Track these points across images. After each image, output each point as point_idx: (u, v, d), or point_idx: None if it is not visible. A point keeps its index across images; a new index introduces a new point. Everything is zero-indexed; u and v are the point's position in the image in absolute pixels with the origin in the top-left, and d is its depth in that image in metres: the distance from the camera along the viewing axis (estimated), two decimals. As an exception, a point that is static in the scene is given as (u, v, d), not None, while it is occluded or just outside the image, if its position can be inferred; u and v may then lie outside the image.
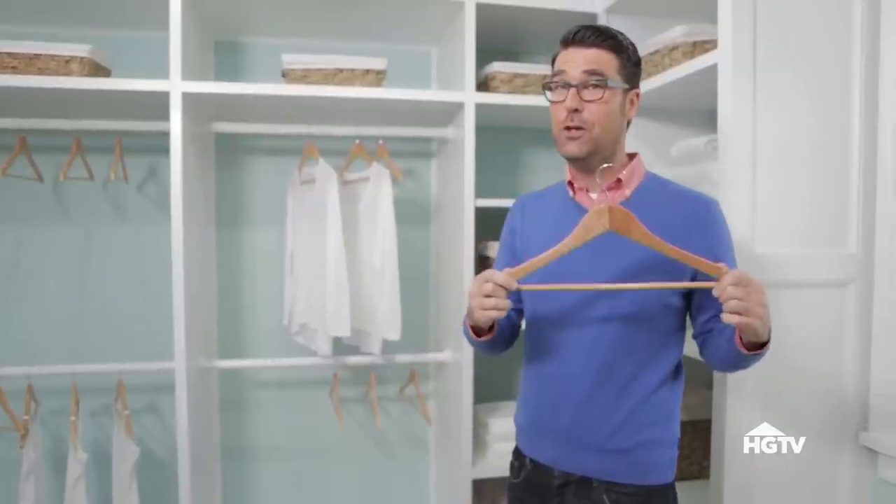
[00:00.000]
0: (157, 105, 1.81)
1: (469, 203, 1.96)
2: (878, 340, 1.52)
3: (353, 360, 2.14)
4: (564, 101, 1.18)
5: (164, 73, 1.77)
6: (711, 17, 1.50)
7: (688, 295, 1.21)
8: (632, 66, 1.23)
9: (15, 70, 1.75)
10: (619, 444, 1.20)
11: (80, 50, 1.77)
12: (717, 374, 1.51)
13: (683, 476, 1.97)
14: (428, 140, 2.37)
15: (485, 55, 2.07)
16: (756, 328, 1.02)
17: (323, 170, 2.00)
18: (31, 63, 1.75)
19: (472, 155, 1.96)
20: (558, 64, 1.22)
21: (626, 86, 1.21)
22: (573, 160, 1.23)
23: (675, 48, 1.66)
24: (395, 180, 2.04)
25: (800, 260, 1.51)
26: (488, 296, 1.13)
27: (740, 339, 1.07)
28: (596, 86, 1.17)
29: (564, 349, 1.25)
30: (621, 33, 1.23)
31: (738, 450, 1.47)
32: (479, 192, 2.00)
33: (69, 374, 1.94)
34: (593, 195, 1.25)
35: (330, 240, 1.95)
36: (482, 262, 2.15)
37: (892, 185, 1.49)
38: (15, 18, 1.99)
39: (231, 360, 2.17)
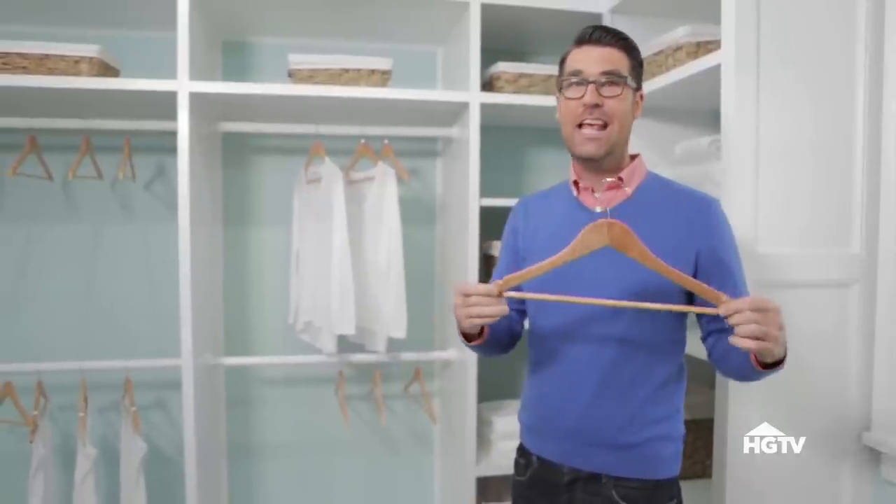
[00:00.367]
0: (164, 105, 1.83)
1: (474, 202, 1.97)
2: (881, 341, 1.52)
3: (359, 358, 2.15)
4: (582, 97, 1.19)
5: (171, 73, 1.79)
6: (715, 18, 1.50)
7: (692, 295, 1.20)
8: (638, 68, 1.26)
9: (25, 70, 1.77)
10: (627, 439, 1.21)
11: (89, 50, 1.79)
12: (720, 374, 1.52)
13: (686, 475, 1.97)
14: (433, 140, 2.38)
15: (490, 55, 2.08)
16: (773, 351, 1.03)
17: (329, 169, 2.01)
18: (41, 63, 1.77)
19: (476, 154, 1.97)
20: (573, 62, 1.22)
21: (635, 86, 1.23)
22: (588, 160, 1.23)
23: (678, 48, 1.67)
24: (400, 180, 2.05)
25: (803, 260, 1.51)
26: (482, 305, 1.14)
27: (755, 357, 1.08)
28: (614, 83, 1.19)
29: (571, 348, 1.25)
30: (629, 36, 1.25)
31: (740, 449, 1.47)
32: (484, 192, 2.01)
33: (77, 370, 1.96)
34: (598, 195, 1.26)
35: (335, 239, 1.96)
36: (487, 261, 2.16)
37: (896, 186, 1.49)
38: (25, 19, 2.02)
39: (237, 358, 2.19)
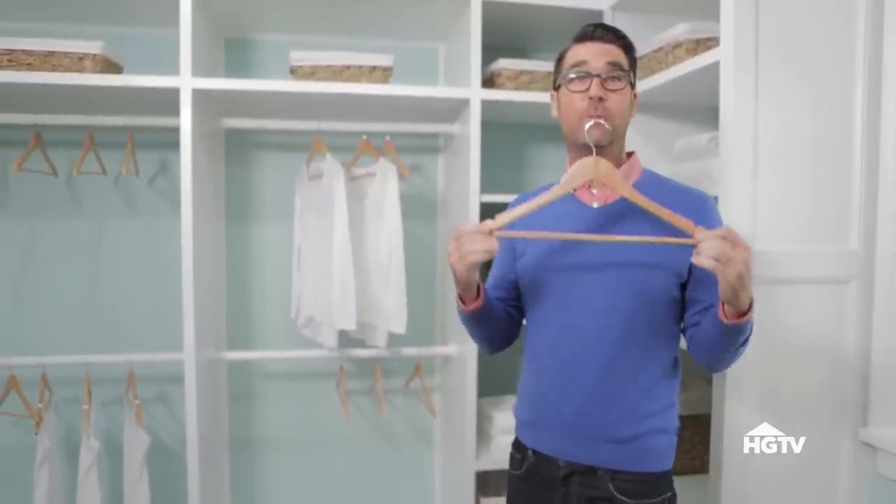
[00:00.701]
0: (167, 101, 1.84)
1: (474, 198, 1.98)
2: (878, 337, 1.53)
3: (359, 353, 2.17)
4: (587, 90, 1.20)
5: (174, 69, 1.80)
6: (716, 15, 1.50)
7: (685, 284, 1.23)
8: (635, 67, 1.28)
9: (30, 67, 1.78)
10: (624, 433, 1.23)
11: (93, 47, 1.81)
12: (716, 370, 1.53)
13: (685, 470, 1.99)
14: (435, 136, 2.39)
15: (491, 52, 2.09)
16: (735, 287, 1.02)
17: (330, 165, 2.02)
18: (46, 60, 1.79)
19: (477, 151, 1.98)
20: (577, 56, 1.23)
21: (632, 83, 1.26)
22: (590, 149, 1.22)
23: (678, 45, 1.67)
24: (401, 176, 2.06)
25: (801, 256, 1.51)
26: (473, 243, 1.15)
27: (723, 309, 1.09)
28: (618, 77, 1.21)
29: (567, 343, 1.26)
30: (627, 35, 1.27)
31: (737, 445, 1.48)
32: (485, 188, 2.03)
33: (81, 363, 1.99)
34: (594, 191, 1.27)
35: (336, 234, 1.97)
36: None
37: (894, 182, 1.49)
38: (30, 16, 2.03)
39: (239, 352, 2.21)
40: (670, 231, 1.16)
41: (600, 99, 1.19)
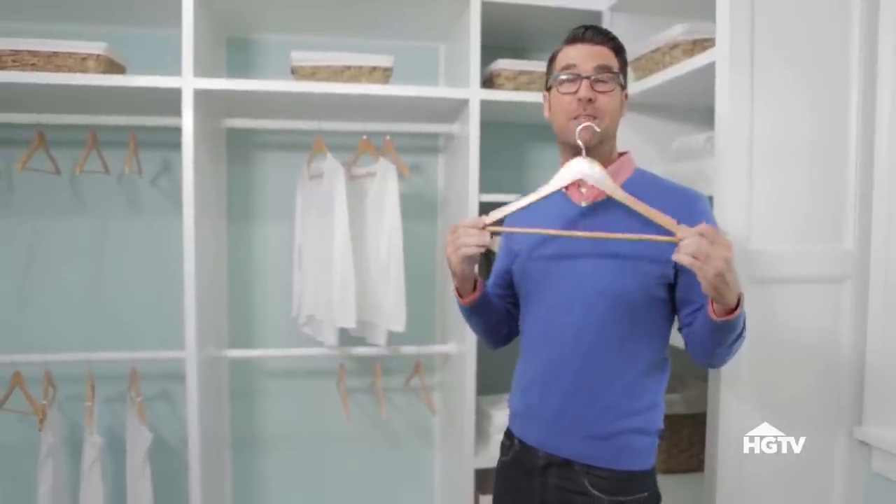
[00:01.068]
0: (169, 101, 1.86)
1: (473, 198, 2.00)
2: (873, 336, 1.54)
3: (359, 351, 2.18)
4: (576, 92, 1.22)
5: (176, 69, 1.82)
6: (713, 16, 1.51)
7: (673, 287, 1.25)
8: (625, 68, 1.30)
9: (34, 67, 1.80)
10: (600, 430, 1.25)
11: (96, 48, 1.82)
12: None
13: (682, 469, 2.01)
14: (435, 136, 2.40)
15: (491, 52, 2.11)
16: (715, 284, 1.03)
17: (331, 165, 2.04)
18: (50, 60, 1.81)
19: (476, 151, 1.99)
20: (567, 58, 1.26)
21: (623, 84, 1.28)
22: (584, 149, 1.24)
23: (675, 46, 1.68)
24: (401, 175, 2.08)
25: (796, 256, 1.52)
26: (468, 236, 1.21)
27: (712, 307, 1.10)
28: (607, 79, 1.23)
29: (552, 337, 1.29)
30: (617, 37, 1.29)
31: (732, 443, 1.49)
32: (485, 188, 2.04)
33: (84, 361, 2.01)
34: (584, 190, 1.29)
35: (337, 233, 1.99)
36: (486, 256, 2.19)
37: (889, 182, 1.50)
38: (34, 16, 2.06)
39: (240, 350, 2.23)
40: (657, 230, 1.17)
41: (589, 100, 1.21)
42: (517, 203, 1.25)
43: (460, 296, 1.36)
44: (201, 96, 1.88)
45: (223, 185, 2.27)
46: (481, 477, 2.13)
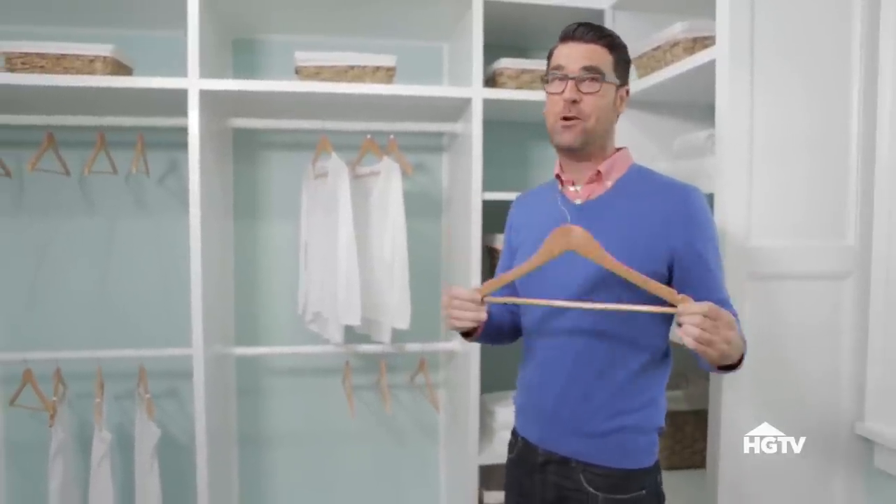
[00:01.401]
0: (176, 102, 1.89)
1: (476, 196, 2.01)
2: (874, 332, 1.54)
3: (364, 348, 2.20)
4: (562, 92, 1.23)
5: (182, 71, 1.84)
6: (714, 14, 1.52)
7: (668, 283, 1.22)
8: (623, 64, 1.29)
9: (43, 69, 1.83)
10: (595, 428, 1.25)
11: (104, 49, 1.85)
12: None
13: (686, 465, 2.01)
14: (439, 135, 2.42)
15: (495, 51, 2.12)
16: (718, 361, 1.07)
17: (335, 164, 2.06)
18: (58, 62, 1.84)
19: (479, 149, 2.00)
20: (557, 58, 1.27)
21: (618, 82, 1.27)
22: (566, 150, 1.27)
23: (675, 44, 1.69)
24: (405, 174, 2.09)
25: (798, 252, 1.53)
26: (463, 310, 1.23)
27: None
28: (593, 79, 1.22)
29: (549, 334, 1.30)
30: (614, 32, 1.29)
31: (734, 439, 1.50)
32: (489, 186, 2.05)
33: (94, 359, 2.04)
34: (578, 188, 1.30)
35: (341, 232, 2.01)
36: (490, 254, 2.20)
37: (890, 178, 1.50)
38: (42, 19, 2.09)
39: (246, 348, 2.25)
40: (651, 230, 1.18)
41: (574, 101, 1.22)
42: (512, 272, 1.25)
43: (462, 334, 1.38)
44: (207, 97, 1.90)
45: (229, 184, 2.30)
46: (485, 473, 2.14)
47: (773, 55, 1.48)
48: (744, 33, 1.46)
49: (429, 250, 2.42)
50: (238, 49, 2.31)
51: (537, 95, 2.02)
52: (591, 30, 1.25)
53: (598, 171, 1.28)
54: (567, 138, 1.24)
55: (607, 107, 1.25)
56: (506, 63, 2.08)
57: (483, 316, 1.24)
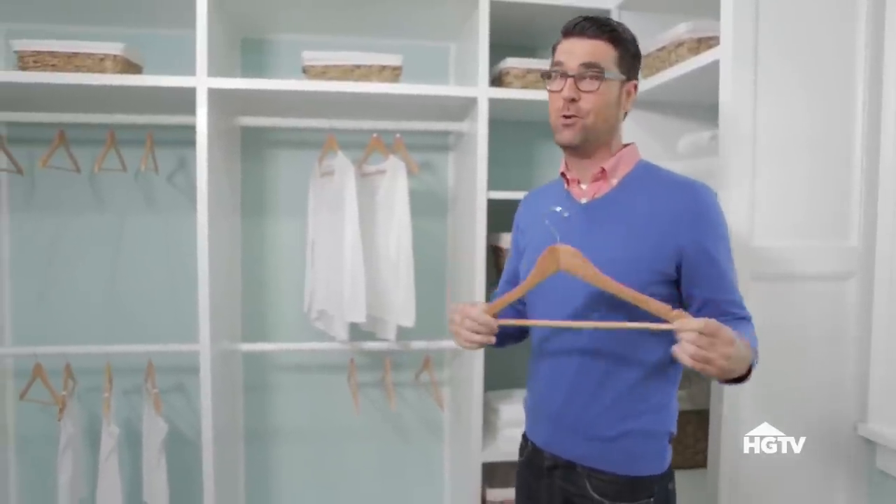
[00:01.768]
0: (185, 100, 1.91)
1: (481, 195, 2.02)
2: (877, 333, 1.54)
3: (369, 345, 2.22)
4: (562, 90, 1.20)
5: (191, 69, 1.86)
6: (720, 15, 1.53)
7: (677, 283, 1.20)
8: (630, 59, 1.24)
9: (55, 68, 1.86)
10: (600, 432, 1.22)
11: (114, 48, 1.88)
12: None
13: (688, 465, 2.01)
14: (445, 134, 2.43)
15: (501, 51, 2.12)
16: (719, 377, 1.05)
17: (341, 162, 2.07)
18: (69, 61, 1.86)
19: (484, 148, 2.01)
20: (557, 55, 1.24)
21: (623, 77, 1.22)
22: (568, 147, 1.25)
23: (680, 44, 1.69)
24: (412, 173, 2.11)
25: (801, 253, 1.53)
26: (474, 331, 1.22)
27: None
28: (593, 77, 1.19)
29: (555, 337, 1.28)
30: (622, 25, 1.24)
31: (735, 439, 1.50)
32: (495, 185, 2.06)
33: (103, 354, 2.07)
34: (584, 186, 1.28)
35: (347, 230, 2.02)
36: (494, 252, 2.22)
37: (894, 179, 1.50)
38: (53, 18, 2.11)
39: (252, 344, 2.27)
40: (658, 226, 1.16)
41: (573, 100, 1.19)
42: (515, 291, 1.24)
43: None
44: (215, 95, 1.92)
45: (237, 181, 2.32)
46: (489, 470, 2.16)
47: (776, 55, 1.48)
48: (747, 34, 1.47)
49: (434, 249, 2.44)
50: (246, 48, 2.33)
51: (543, 95, 1.97)
52: (592, 24, 1.21)
53: (603, 169, 1.24)
54: (566, 136, 1.22)
55: (608, 104, 1.21)
56: (512, 63, 2.09)
57: (493, 340, 1.23)
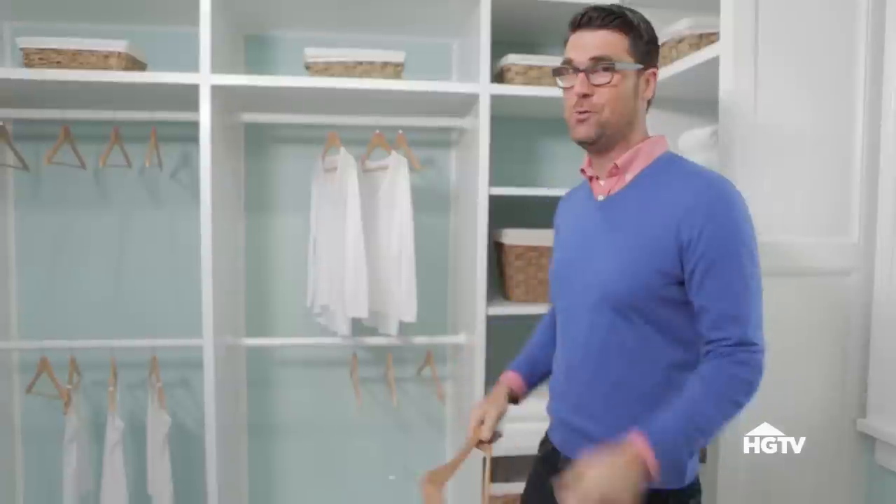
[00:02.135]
0: (188, 97, 1.92)
1: (483, 191, 2.02)
2: (877, 329, 1.54)
3: (372, 340, 2.23)
4: (574, 87, 1.16)
5: (195, 66, 1.87)
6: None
7: (683, 283, 1.13)
8: (644, 45, 1.18)
9: (60, 65, 1.88)
10: (613, 439, 1.10)
11: (118, 45, 1.89)
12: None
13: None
14: (447, 130, 2.43)
15: (503, 47, 2.13)
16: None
17: (344, 158, 2.08)
18: (74, 58, 1.88)
19: (486, 145, 2.02)
20: (567, 50, 1.20)
21: (639, 66, 1.17)
22: (584, 143, 1.20)
23: (681, 40, 1.70)
24: (414, 169, 2.12)
25: (801, 249, 1.53)
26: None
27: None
28: (604, 70, 1.14)
29: (569, 341, 1.26)
30: (633, 10, 1.19)
31: (735, 435, 1.50)
32: (497, 181, 2.06)
33: (108, 348, 2.09)
34: (602, 182, 1.24)
35: (349, 226, 2.03)
36: (496, 249, 2.22)
37: (894, 175, 1.50)
38: (58, 16, 2.13)
39: (255, 339, 2.29)
40: (660, 217, 1.11)
41: (585, 95, 1.15)
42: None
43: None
44: (218, 92, 1.93)
45: (240, 177, 2.33)
46: (491, 466, 2.16)
47: (777, 51, 1.49)
48: (748, 29, 1.47)
49: (436, 245, 2.44)
50: (249, 45, 2.34)
51: (545, 91, 2.03)
52: (599, 14, 1.15)
53: (616, 165, 1.20)
54: (581, 132, 1.18)
55: (624, 95, 1.16)
56: (513, 59, 2.09)
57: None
